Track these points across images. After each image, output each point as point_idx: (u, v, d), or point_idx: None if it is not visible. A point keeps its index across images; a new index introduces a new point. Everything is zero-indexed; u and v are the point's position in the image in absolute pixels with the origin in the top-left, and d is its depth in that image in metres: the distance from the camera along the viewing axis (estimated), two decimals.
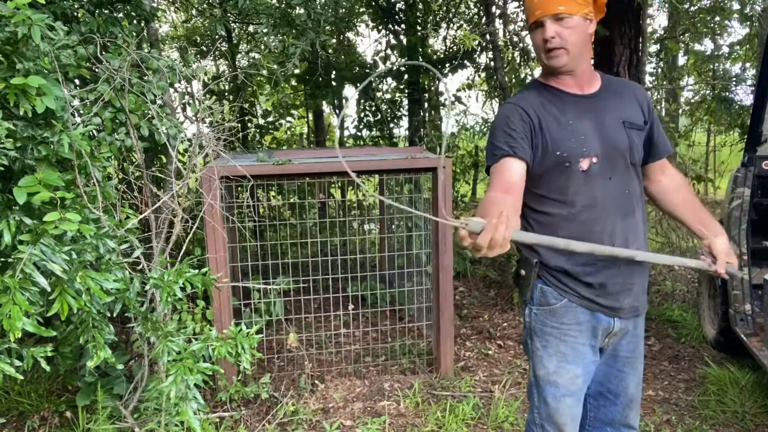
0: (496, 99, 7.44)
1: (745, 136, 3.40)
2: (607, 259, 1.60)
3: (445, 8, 6.92)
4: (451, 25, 7.13)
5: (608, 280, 1.64)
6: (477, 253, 1.28)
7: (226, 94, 6.31)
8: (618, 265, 1.64)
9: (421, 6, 6.61)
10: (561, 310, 1.67)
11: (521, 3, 6.05)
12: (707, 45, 7.57)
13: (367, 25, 7.10)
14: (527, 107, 1.62)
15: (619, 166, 1.62)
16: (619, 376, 1.78)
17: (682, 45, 7.01)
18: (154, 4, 4.68)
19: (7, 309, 1.40)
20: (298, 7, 4.03)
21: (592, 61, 1.92)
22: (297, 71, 6.31)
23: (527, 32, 6.15)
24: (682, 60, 8.13)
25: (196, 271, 1.85)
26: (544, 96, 1.65)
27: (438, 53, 7.29)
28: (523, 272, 1.71)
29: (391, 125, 7.23)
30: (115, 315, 1.84)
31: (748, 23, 5.98)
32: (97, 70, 2.37)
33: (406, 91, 6.96)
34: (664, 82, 7.13)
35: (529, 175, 1.61)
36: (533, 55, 6.35)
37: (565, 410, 1.70)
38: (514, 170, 1.57)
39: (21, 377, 1.58)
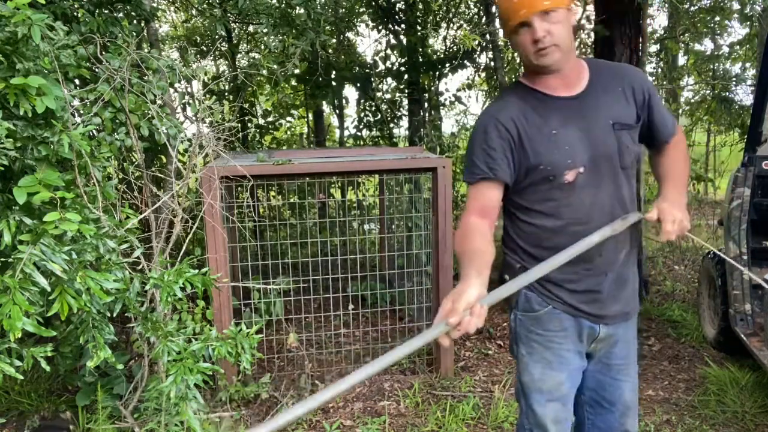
0: None
1: (745, 136, 3.40)
2: (592, 267, 1.57)
3: (445, 8, 6.92)
4: (451, 25, 7.13)
5: (594, 287, 1.60)
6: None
7: (226, 94, 6.31)
8: (605, 273, 1.59)
9: (421, 6, 6.61)
10: (545, 317, 1.64)
11: None
12: (707, 45, 7.57)
13: (367, 25, 7.10)
14: (506, 120, 1.53)
15: (607, 173, 1.54)
16: (614, 384, 1.73)
17: (682, 45, 7.01)
18: (154, 4, 4.68)
19: (7, 309, 1.40)
20: (298, 7, 4.03)
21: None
22: (297, 71, 6.29)
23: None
24: (682, 60, 8.12)
25: (196, 271, 1.85)
26: (527, 101, 1.56)
27: (438, 53, 7.29)
28: (507, 277, 1.64)
29: (391, 125, 7.23)
30: (115, 315, 1.84)
31: (748, 23, 5.97)
32: (97, 70, 2.37)
33: (406, 91, 6.96)
34: (664, 82, 7.13)
35: (515, 187, 1.58)
36: None
37: (550, 414, 1.69)
38: (491, 194, 1.56)
39: (21, 377, 1.58)
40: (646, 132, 1.62)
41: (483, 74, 7.21)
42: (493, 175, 1.54)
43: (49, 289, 1.49)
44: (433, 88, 7.23)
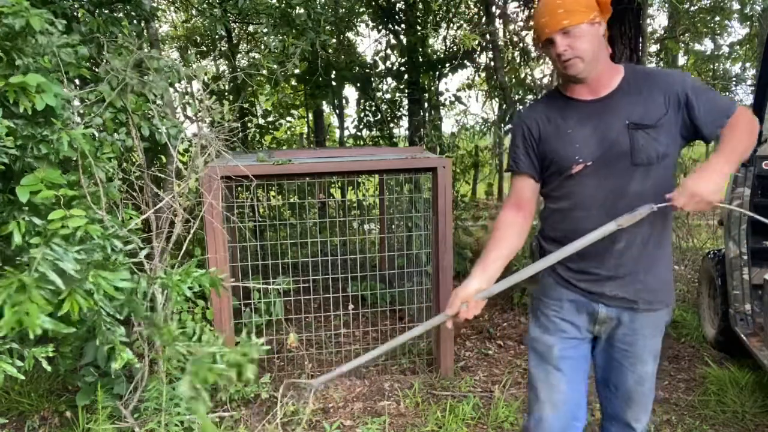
0: (496, 99, 7.43)
1: None
2: (591, 251, 1.64)
3: (445, 8, 6.92)
4: (451, 25, 7.13)
5: (593, 266, 1.71)
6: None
7: (226, 94, 6.31)
8: (604, 255, 1.68)
9: (421, 6, 6.61)
10: (548, 286, 1.83)
11: (521, 3, 6.05)
12: (707, 45, 7.57)
13: (367, 25, 7.10)
14: (530, 121, 1.77)
15: (617, 168, 1.65)
16: (618, 369, 1.80)
17: (682, 45, 7.01)
18: (154, 4, 4.68)
19: (25, 307, 1.39)
20: (298, 7, 4.03)
21: None
22: (297, 71, 6.30)
23: (527, 32, 6.17)
24: (682, 60, 8.13)
25: (203, 270, 1.84)
26: (555, 104, 1.76)
27: (438, 53, 7.29)
28: (534, 244, 1.90)
29: (391, 125, 7.23)
30: (123, 317, 1.83)
31: (748, 23, 5.98)
32: (97, 70, 2.37)
33: (406, 91, 6.96)
34: None
35: (543, 178, 1.80)
36: (533, 54, 6.36)
37: (540, 375, 1.83)
38: (523, 186, 1.81)
39: (22, 377, 1.58)
40: (693, 128, 1.65)
41: (483, 74, 7.21)
42: (517, 168, 1.81)
43: (63, 287, 1.48)
44: (433, 88, 7.23)
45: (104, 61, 2.37)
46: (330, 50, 6.30)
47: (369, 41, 13.05)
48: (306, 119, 8.67)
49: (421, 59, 6.72)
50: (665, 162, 1.65)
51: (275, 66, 4.23)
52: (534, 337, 1.87)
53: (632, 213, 1.55)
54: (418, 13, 6.67)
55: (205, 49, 6.85)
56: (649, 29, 6.76)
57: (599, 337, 1.82)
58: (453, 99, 7.24)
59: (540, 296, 1.87)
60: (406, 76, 6.84)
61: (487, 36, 5.79)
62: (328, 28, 4.83)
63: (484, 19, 5.98)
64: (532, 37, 1.88)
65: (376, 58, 7.16)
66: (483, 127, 7.47)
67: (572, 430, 1.84)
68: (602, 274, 1.71)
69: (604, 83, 1.69)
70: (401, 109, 7.25)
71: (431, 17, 6.84)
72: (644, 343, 1.76)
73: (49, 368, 1.69)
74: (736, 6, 5.72)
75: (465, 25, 6.84)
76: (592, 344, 1.86)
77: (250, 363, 1.49)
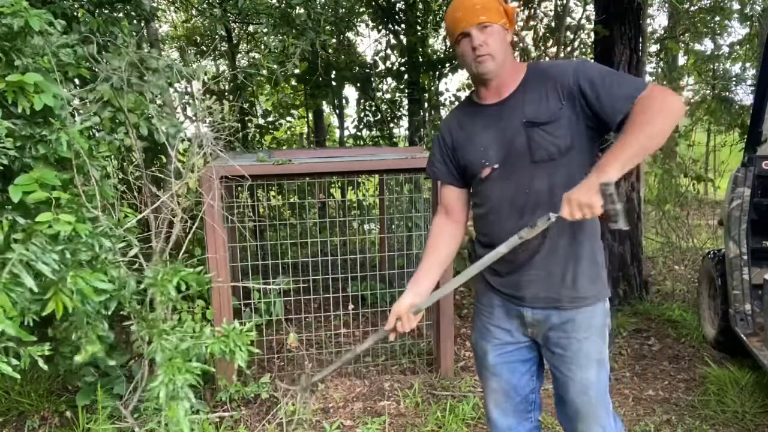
0: None
1: (745, 136, 3.40)
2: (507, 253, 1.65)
3: (445, 8, 6.92)
4: None
5: (509, 268, 1.72)
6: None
7: (226, 94, 6.31)
8: (517, 256, 1.67)
9: (421, 6, 6.61)
10: (480, 292, 1.88)
11: (521, 3, 6.05)
12: (707, 45, 7.56)
13: (367, 25, 7.10)
14: (445, 132, 1.82)
15: (519, 168, 1.65)
16: (561, 379, 1.74)
17: (682, 45, 7.00)
18: (154, 4, 4.68)
19: None
20: (298, 7, 4.03)
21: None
22: (297, 71, 6.30)
23: (527, 32, 6.17)
24: (682, 60, 8.12)
25: (191, 269, 1.83)
26: (466, 111, 1.80)
27: (438, 53, 7.29)
28: (469, 249, 1.92)
29: (391, 125, 7.23)
30: (110, 313, 1.83)
31: (748, 23, 5.98)
32: (96, 70, 2.37)
33: (406, 91, 6.96)
34: (664, 82, 7.13)
35: (467, 184, 1.83)
36: (533, 54, 6.35)
37: (485, 382, 1.90)
38: (446, 192, 1.85)
39: (18, 377, 1.57)
40: (595, 118, 1.58)
41: None
42: (434, 176, 1.86)
43: (36, 289, 1.46)
44: (433, 88, 7.23)
45: (104, 61, 2.37)
46: (330, 50, 6.31)
47: (369, 41, 13.05)
48: (306, 119, 8.66)
49: (421, 59, 6.72)
50: (571, 155, 1.61)
51: (275, 66, 4.23)
52: (473, 342, 1.92)
53: (532, 226, 1.54)
54: (418, 13, 6.67)
55: (205, 49, 6.85)
56: (649, 29, 6.75)
57: (535, 339, 1.78)
58: (453, 99, 7.23)
59: (476, 301, 1.90)
60: (406, 76, 6.84)
61: None
62: (328, 28, 4.83)
63: None
64: (448, 36, 1.82)
65: (376, 58, 7.16)
66: None
67: (524, 422, 1.88)
68: (521, 276, 1.70)
69: (508, 85, 1.69)
70: (401, 109, 7.25)
71: (431, 17, 6.84)
72: (579, 346, 1.68)
73: (46, 367, 1.69)
74: (736, 6, 5.72)
75: None
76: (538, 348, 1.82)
77: (241, 350, 1.48)
